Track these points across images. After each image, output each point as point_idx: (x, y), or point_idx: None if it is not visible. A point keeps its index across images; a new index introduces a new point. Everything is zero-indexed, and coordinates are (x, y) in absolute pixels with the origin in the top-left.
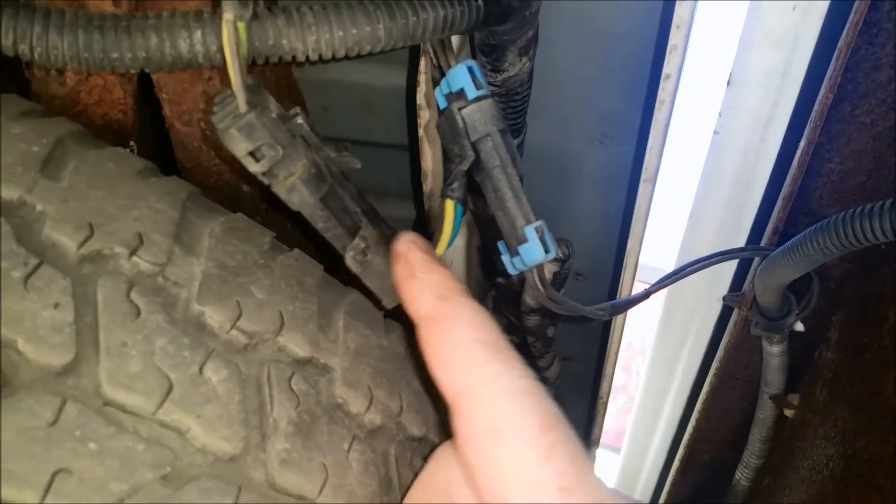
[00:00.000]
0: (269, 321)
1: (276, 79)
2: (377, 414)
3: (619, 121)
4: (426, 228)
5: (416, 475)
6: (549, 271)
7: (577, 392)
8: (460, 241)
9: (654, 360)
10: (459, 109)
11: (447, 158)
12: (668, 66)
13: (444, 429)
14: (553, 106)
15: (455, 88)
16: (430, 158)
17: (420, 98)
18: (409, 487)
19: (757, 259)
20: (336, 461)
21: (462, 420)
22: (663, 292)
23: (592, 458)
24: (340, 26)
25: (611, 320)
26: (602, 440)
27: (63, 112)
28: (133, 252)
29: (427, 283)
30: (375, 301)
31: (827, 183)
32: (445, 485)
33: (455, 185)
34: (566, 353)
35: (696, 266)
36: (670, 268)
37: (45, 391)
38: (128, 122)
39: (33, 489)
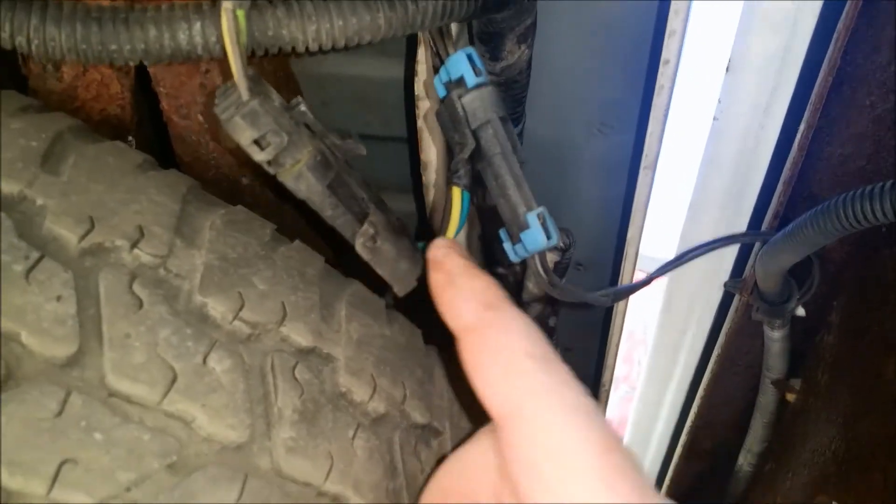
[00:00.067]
0: (272, 312)
1: (273, 70)
2: (381, 402)
3: (619, 109)
4: (426, 221)
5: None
6: (550, 261)
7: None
8: (461, 233)
9: (656, 347)
10: (459, 97)
11: (450, 149)
12: (667, 51)
13: (450, 417)
14: (552, 95)
15: (454, 76)
16: (430, 149)
17: (419, 88)
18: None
19: (758, 245)
20: (341, 448)
21: (514, 439)
22: (664, 280)
23: None
24: (340, 16)
25: (612, 309)
26: None
27: (61, 107)
28: (134, 245)
29: (469, 290)
30: (386, 288)
31: (827, 167)
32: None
33: (461, 171)
34: (568, 343)
35: (698, 251)
36: (671, 257)
37: (50, 383)
38: (126, 116)
39: (40, 479)
